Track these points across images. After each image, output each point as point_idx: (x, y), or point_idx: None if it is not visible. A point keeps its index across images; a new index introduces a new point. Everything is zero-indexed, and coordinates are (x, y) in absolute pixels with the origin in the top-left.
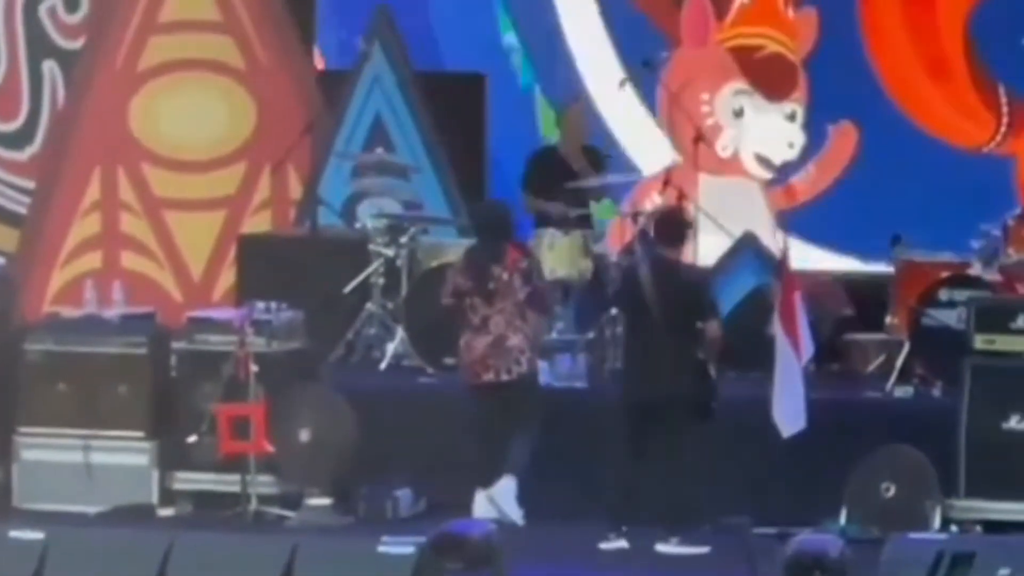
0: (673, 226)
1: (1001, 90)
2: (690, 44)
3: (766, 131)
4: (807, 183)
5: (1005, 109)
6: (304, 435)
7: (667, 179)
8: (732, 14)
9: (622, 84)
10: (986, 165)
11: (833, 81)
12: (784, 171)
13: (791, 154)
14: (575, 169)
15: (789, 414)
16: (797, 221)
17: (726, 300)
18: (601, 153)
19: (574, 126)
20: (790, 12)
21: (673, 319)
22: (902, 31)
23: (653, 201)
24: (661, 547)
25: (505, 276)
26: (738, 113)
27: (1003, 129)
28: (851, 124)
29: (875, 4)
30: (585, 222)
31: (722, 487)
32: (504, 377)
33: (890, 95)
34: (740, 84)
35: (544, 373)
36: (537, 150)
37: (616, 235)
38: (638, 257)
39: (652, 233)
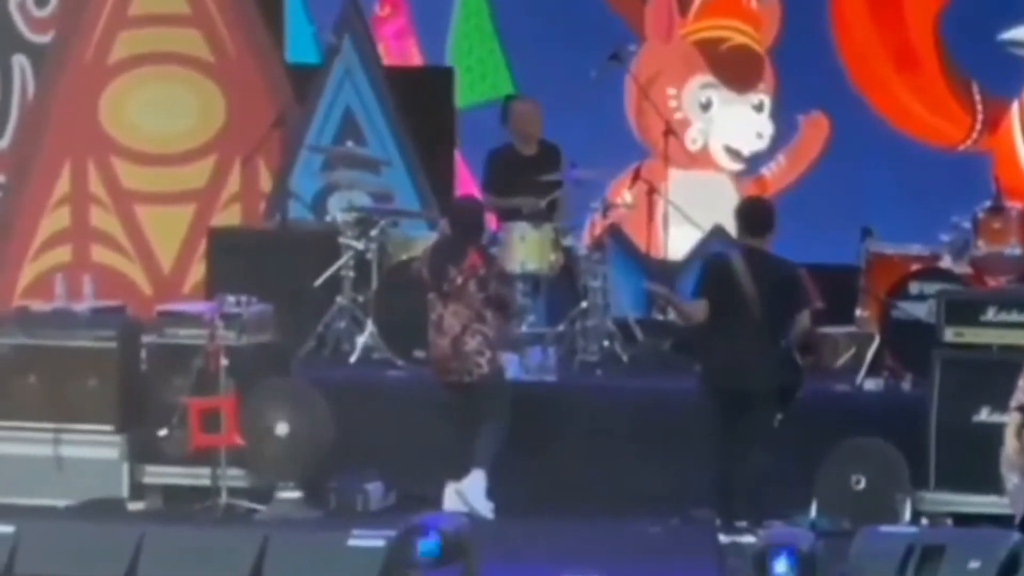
0: (758, 216)
1: (975, 88)
2: (655, 39)
3: (734, 123)
4: (778, 174)
5: (979, 107)
6: (281, 428)
7: (636, 174)
8: (696, 8)
9: (611, 59)
10: (961, 159)
11: (803, 71)
12: (754, 162)
13: (760, 145)
14: (535, 163)
15: None
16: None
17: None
18: (557, 146)
19: (523, 120)
20: (753, 3)
21: (768, 310)
22: (871, 27)
23: (623, 197)
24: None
25: (459, 279)
26: (705, 106)
27: (978, 127)
28: (822, 114)
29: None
30: (555, 215)
31: (691, 479)
32: (466, 379)
33: (859, 92)
34: (706, 77)
35: (514, 366)
36: (493, 149)
37: (588, 229)
38: (727, 248)
39: (737, 224)
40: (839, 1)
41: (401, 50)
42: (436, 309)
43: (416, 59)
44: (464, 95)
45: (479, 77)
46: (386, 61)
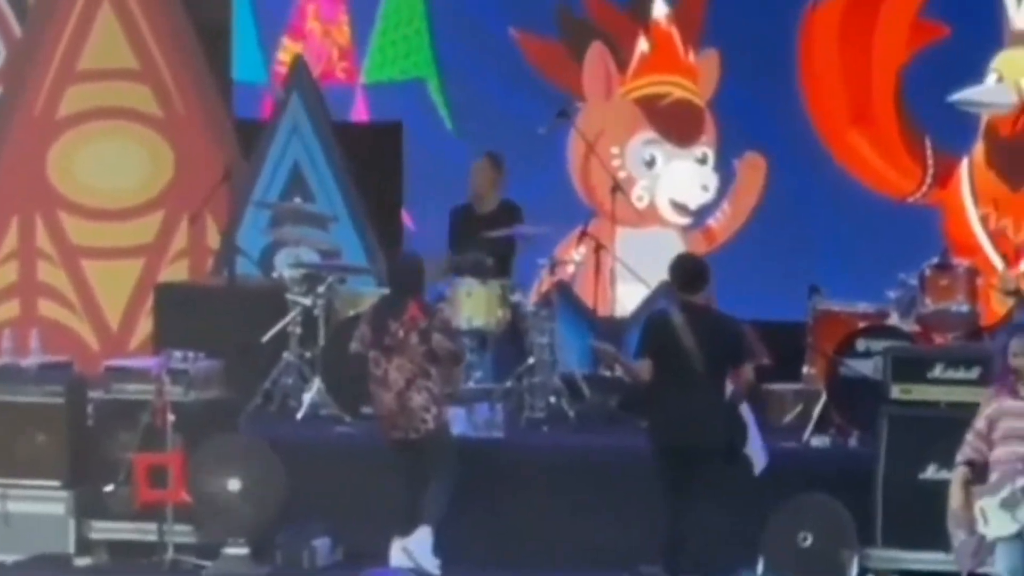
0: (690, 272)
1: (927, 142)
2: (595, 99)
3: (679, 177)
4: (724, 223)
5: (931, 161)
6: (232, 485)
7: (583, 231)
8: (634, 65)
9: (559, 116)
10: (910, 215)
11: (751, 121)
12: (701, 215)
13: (706, 197)
14: (489, 221)
15: (758, 450)
16: (715, 268)
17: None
18: (515, 205)
19: (472, 179)
20: (691, 56)
21: (711, 365)
22: (837, 76)
23: (572, 254)
24: None
25: (401, 333)
26: (649, 163)
27: (928, 180)
28: (757, 155)
29: (813, 47)
30: (503, 272)
31: (640, 535)
32: (412, 436)
33: (818, 138)
34: (648, 134)
35: (461, 422)
36: (453, 207)
37: (536, 286)
38: (667, 305)
39: (672, 281)
40: (809, 51)
41: (331, 14)
42: (380, 365)
43: (344, 27)
44: (382, 70)
45: (402, 54)
46: (313, 25)
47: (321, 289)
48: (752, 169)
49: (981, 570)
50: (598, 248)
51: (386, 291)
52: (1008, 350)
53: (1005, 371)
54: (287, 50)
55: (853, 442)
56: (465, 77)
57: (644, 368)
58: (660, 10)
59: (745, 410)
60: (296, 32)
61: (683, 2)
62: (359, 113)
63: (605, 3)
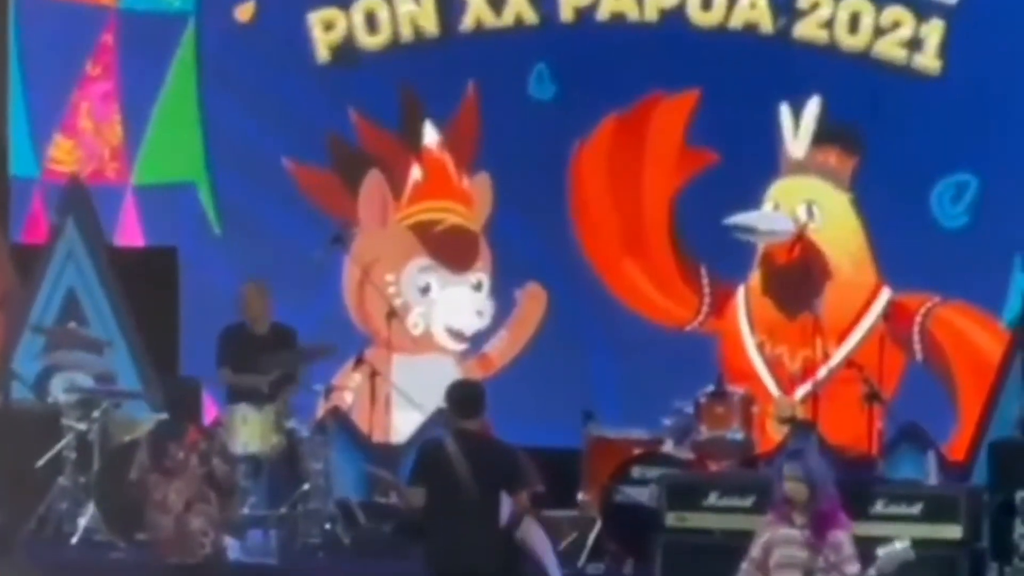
0: (466, 399)
1: (703, 271)
2: (371, 225)
3: (454, 303)
4: (501, 350)
5: (707, 289)
6: None
7: (360, 357)
8: (408, 191)
9: (333, 241)
10: (687, 342)
11: (525, 248)
12: (477, 341)
13: (481, 323)
14: (264, 343)
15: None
16: (491, 394)
17: None
18: (288, 329)
19: (252, 303)
20: (464, 181)
21: (484, 492)
22: (608, 205)
23: (351, 378)
24: None
25: (181, 455)
26: (424, 290)
27: (705, 309)
28: (538, 286)
29: (583, 179)
30: (278, 396)
31: None
32: (189, 560)
33: (591, 268)
34: (424, 260)
35: (235, 549)
36: (226, 327)
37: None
38: (441, 432)
39: (447, 408)
40: (580, 179)
41: (104, 113)
42: (159, 489)
43: (116, 127)
44: (153, 171)
45: (173, 158)
46: (86, 123)
47: (96, 414)
48: (533, 299)
49: None
50: (374, 375)
51: (162, 416)
52: (782, 477)
53: (780, 498)
54: (59, 147)
55: (628, 570)
56: (236, 194)
57: (417, 495)
58: (431, 136)
59: (538, 531)
60: (69, 129)
61: (455, 127)
62: (129, 215)
63: (377, 130)
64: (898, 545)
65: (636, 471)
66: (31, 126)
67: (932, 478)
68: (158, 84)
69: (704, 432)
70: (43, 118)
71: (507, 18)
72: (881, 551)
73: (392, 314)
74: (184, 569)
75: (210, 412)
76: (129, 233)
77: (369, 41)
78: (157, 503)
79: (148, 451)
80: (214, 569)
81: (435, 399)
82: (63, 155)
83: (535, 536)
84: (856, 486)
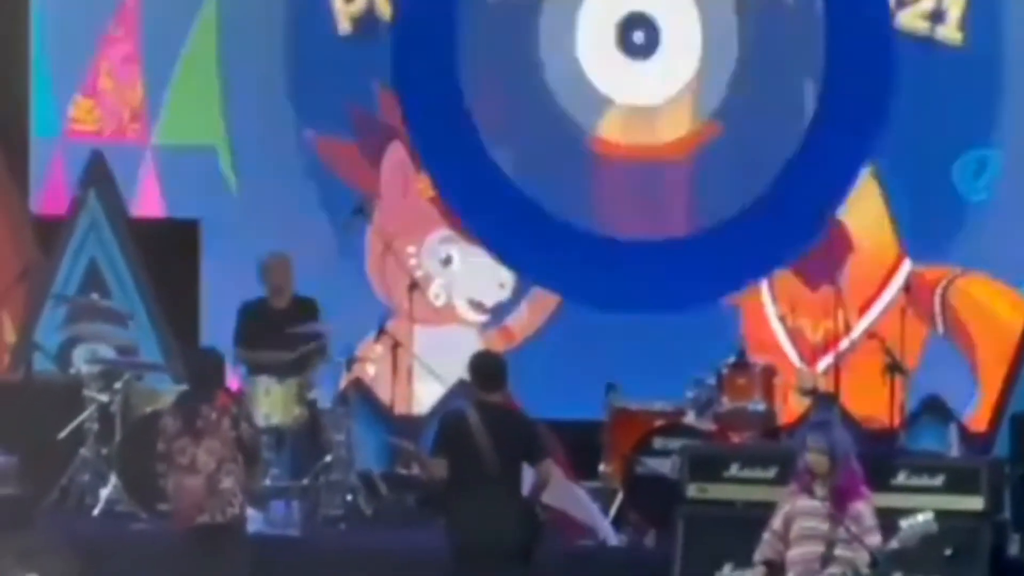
0: (488, 370)
1: None
2: (391, 197)
3: (475, 275)
4: (522, 322)
5: None
6: None
7: (382, 329)
8: None
9: (355, 212)
10: (708, 314)
11: None
12: (498, 313)
13: (503, 295)
14: (285, 317)
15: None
16: (513, 366)
17: None
18: (311, 302)
19: (275, 273)
20: None
21: (505, 464)
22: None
23: (373, 351)
24: None
25: (214, 415)
26: (446, 261)
27: None
28: None
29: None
30: (300, 369)
31: None
32: (219, 519)
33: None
34: (445, 231)
35: (257, 521)
36: (246, 302)
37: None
38: (462, 403)
39: (470, 378)
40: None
41: (125, 75)
42: (187, 453)
43: (137, 88)
44: (173, 133)
45: (193, 120)
46: (106, 84)
47: (118, 385)
48: None
49: None
50: (395, 346)
51: (183, 387)
52: (805, 448)
53: (802, 470)
54: (80, 106)
55: (649, 541)
56: (256, 158)
57: (439, 466)
58: None
59: (572, 492)
60: (89, 90)
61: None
62: (148, 176)
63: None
64: (920, 517)
65: (658, 442)
66: (52, 86)
67: (954, 450)
68: (179, 47)
69: (726, 403)
70: (64, 79)
71: None
72: (904, 523)
73: (414, 285)
74: (211, 530)
75: (233, 384)
76: (149, 195)
77: (391, 12)
78: (185, 467)
79: (173, 418)
80: (239, 532)
81: (457, 370)
82: (83, 115)
83: (570, 498)
84: (878, 458)
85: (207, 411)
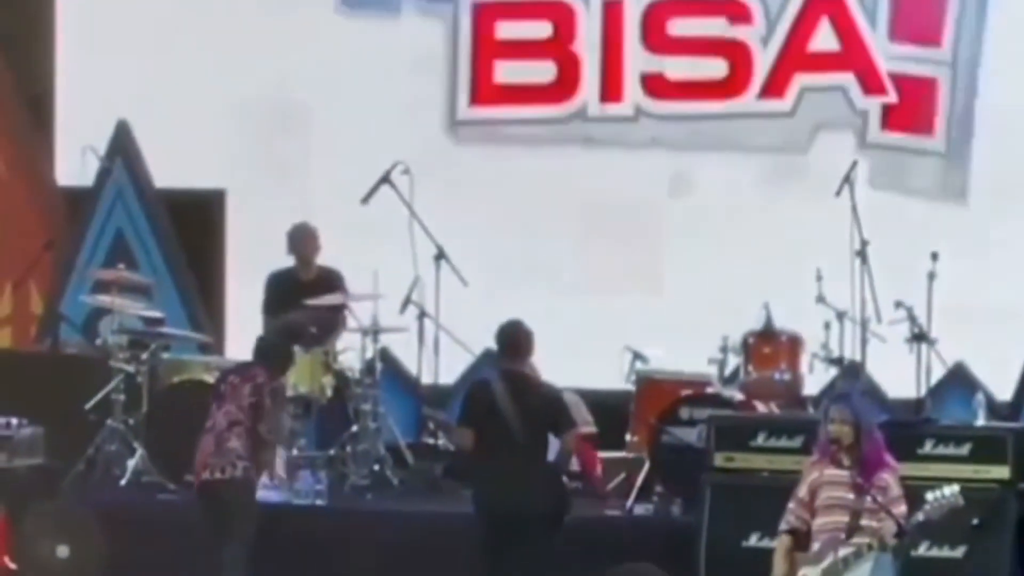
0: (515, 340)
1: None
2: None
3: None
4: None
5: None
6: (61, 552)
7: (408, 299)
8: None
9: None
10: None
11: None
12: None
13: None
14: (312, 288)
15: None
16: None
17: None
18: (336, 272)
19: (298, 243)
20: None
21: (531, 433)
22: None
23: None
24: None
25: (237, 381)
26: None
27: None
28: None
29: None
30: (330, 338)
31: None
32: (218, 475)
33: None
34: None
35: (285, 490)
36: (273, 272)
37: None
38: (489, 373)
39: (497, 349)
40: None
41: None
42: (211, 416)
43: None
44: None
45: None
46: None
47: (144, 356)
48: None
49: None
50: (422, 316)
51: (208, 359)
52: (828, 419)
53: (826, 440)
54: None
55: (676, 510)
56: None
57: (466, 436)
58: None
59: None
60: None
61: None
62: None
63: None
64: (947, 491)
65: (684, 412)
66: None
67: (980, 418)
68: None
69: (752, 372)
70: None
71: None
72: (930, 496)
73: (440, 255)
74: (214, 486)
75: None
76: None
77: None
78: (207, 428)
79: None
80: (240, 491)
81: (483, 341)
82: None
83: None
84: (904, 427)
85: (233, 378)
